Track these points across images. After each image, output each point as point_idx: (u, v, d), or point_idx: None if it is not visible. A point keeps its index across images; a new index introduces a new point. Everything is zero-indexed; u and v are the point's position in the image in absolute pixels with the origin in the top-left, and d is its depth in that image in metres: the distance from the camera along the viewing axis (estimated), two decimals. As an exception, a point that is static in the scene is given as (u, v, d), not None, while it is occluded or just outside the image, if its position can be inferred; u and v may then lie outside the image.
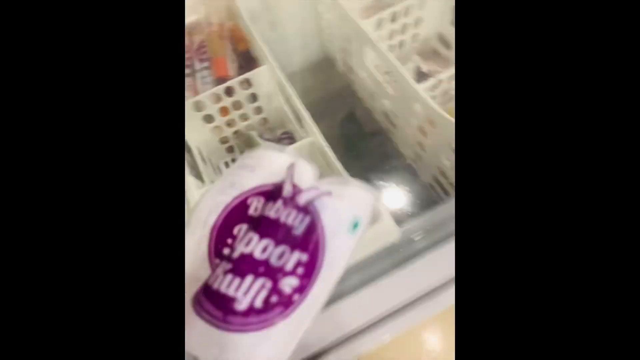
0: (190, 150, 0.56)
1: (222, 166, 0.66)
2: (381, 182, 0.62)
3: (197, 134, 0.57)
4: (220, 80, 0.55)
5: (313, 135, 0.46)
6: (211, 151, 0.64)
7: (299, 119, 0.51)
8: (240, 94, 0.55)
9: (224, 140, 0.63)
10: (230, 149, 0.66)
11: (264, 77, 0.54)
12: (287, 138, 0.63)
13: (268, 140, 0.61)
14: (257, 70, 0.53)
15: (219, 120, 0.57)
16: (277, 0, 0.64)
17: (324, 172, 0.40)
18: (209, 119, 0.56)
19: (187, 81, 0.58)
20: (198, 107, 0.53)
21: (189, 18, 0.58)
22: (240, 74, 0.55)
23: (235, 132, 0.62)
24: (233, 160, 0.66)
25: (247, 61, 0.59)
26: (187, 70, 0.59)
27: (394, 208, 0.60)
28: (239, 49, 0.59)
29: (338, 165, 0.41)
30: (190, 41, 0.59)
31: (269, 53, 0.52)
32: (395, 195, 0.62)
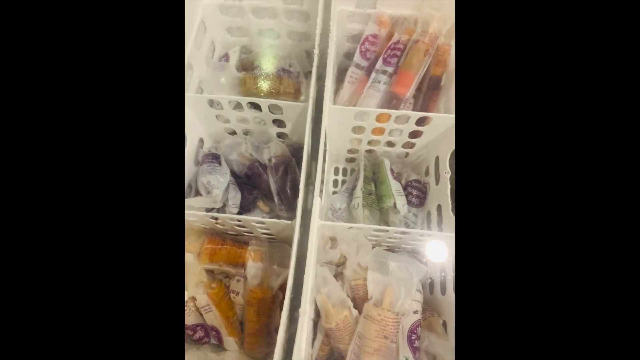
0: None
1: (332, 172, 0.64)
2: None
3: (339, 138, 0.54)
4: (393, 95, 0.49)
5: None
6: (333, 154, 0.61)
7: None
8: (407, 125, 0.49)
9: (352, 151, 0.59)
10: (351, 160, 0.63)
11: (443, 125, 0.48)
12: (416, 189, 0.56)
13: (396, 177, 0.56)
14: (445, 116, 0.46)
15: (366, 135, 0.52)
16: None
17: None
18: (358, 129, 0.52)
19: (356, 72, 0.53)
20: (358, 116, 0.49)
21: (403, 10, 0.51)
22: (414, 95, 0.49)
23: (369, 151, 0.58)
24: (344, 170, 0.63)
25: (429, 86, 0.52)
26: (363, 61, 0.52)
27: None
28: (432, 71, 0.51)
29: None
30: (387, 32, 0.51)
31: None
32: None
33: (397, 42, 0.51)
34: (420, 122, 0.49)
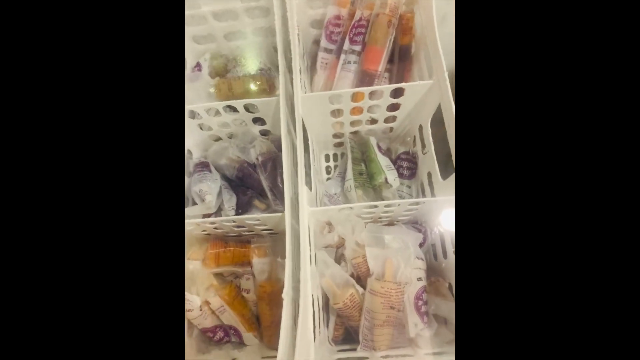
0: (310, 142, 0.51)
1: (322, 160, 0.65)
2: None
3: (320, 124, 0.55)
4: (365, 73, 0.50)
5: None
6: (321, 141, 0.62)
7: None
8: (383, 100, 0.49)
9: (337, 135, 0.60)
10: (339, 144, 0.63)
11: (419, 93, 0.47)
12: (406, 160, 0.57)
13: (385, 152, 0.56)
14: (417, 84, 0.45)
15: (346, 116, 0.52)
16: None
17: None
18: (337, 113, 0.52)
19: (326, 57, 0.53)
20: (333, 99, 0.49)
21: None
22: (388, 69, 0.49)
23: (354, 133, 0.59)
24: (334, 156, 0.64)
25: (401, 56, 0.51)
26: (330, 44, 0.53)
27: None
28: (400, 41, 0.51)
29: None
30: (349, 11, 0.51)
31: (439, 68, 0.43)
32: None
33: (360, 19, 0.51)
34: (397, 94, 0.49)
